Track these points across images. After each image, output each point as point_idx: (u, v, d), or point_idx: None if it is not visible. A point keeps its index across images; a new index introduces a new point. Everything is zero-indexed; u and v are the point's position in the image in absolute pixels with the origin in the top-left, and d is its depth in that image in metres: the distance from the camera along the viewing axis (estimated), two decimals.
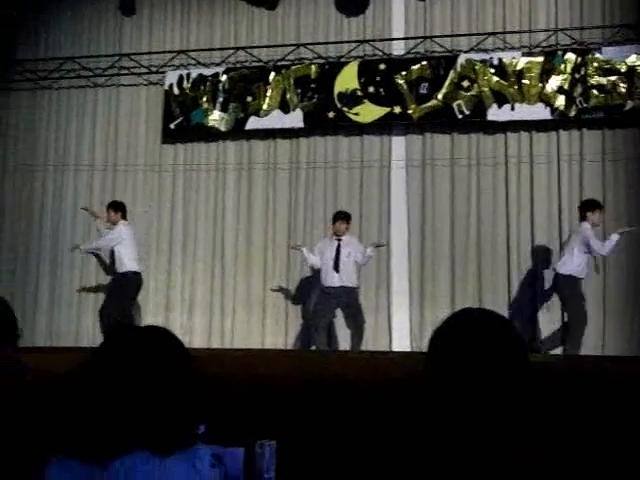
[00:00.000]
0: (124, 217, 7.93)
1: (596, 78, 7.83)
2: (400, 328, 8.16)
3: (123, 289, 7.87)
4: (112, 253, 8.00)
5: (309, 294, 8.17)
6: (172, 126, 8.84)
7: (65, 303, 8.89)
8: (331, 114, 8.39)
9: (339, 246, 7.51)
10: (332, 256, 7.48)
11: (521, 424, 1.38)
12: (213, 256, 8.72)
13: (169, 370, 1.36)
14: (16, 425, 1.70)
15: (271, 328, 8.45)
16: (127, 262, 7.77)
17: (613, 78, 7.78)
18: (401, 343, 8.06)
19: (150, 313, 8.65)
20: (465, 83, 8.13)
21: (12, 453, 1.71)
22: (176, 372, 1.37)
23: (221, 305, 8.60)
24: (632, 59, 7.76)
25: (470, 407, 1.39)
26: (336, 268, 7.45)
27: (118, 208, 7.94)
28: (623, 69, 7.77)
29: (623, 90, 7.77)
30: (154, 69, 9.02)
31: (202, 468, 1.33)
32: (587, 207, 7.10)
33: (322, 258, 7.53)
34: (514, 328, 1.49)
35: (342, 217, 7.62)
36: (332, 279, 7.45)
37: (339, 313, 7.79)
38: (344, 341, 8.02)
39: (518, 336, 1.47)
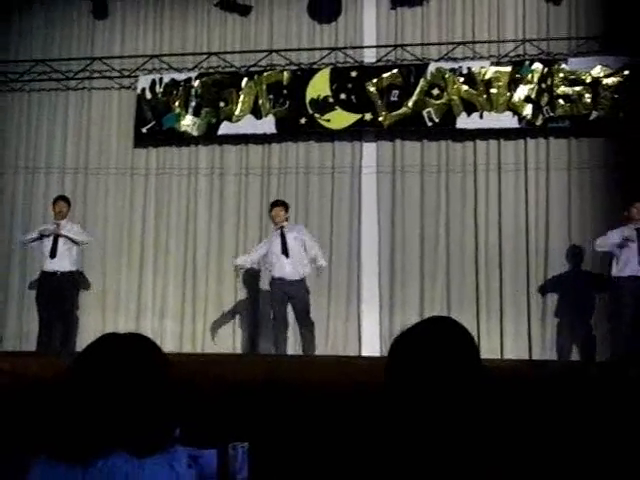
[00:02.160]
0: None
1: (562, 88, 8.00)
2: (370, 334, 8.24)
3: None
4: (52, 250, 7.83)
5: None
6: (144, 130, 8.84)
7: (35, 307, 8.81)
8: (303, 120, 8.46)
9: (283, 233, 7.44)
10: (278, 243, 7.39)
11: (473, 427, 1.47)
12: (185, 260, 8.74)
13: (148, 376, 1.42)
14: None
15: (242, 333, 8.49)
16: (77, 262, 7.87)
17: (578, 88, 7.97)
18: (371, 349, 8.13)
19: (121, 317, 8.65)
20: (435, 91, 8.25)
21: None
22: (155, 378, 1.44)
23: (192, 310, 8.63)
24: (597, 70, 7.95)
25: (424, 412, 1.47)
26: (285, 252, 7.34)
27: (69, 203, 8.00)
28: (588, 80, 7.95)
29: (588, 100, 7.95)
30: (126, 73, 9.01)
31: (179, 469, 1.39)
32: None
33: (269, 253, 7.45)
34: (469, 335, 1.58)
35: (279, 204, 7.60)
36: (281, 268, 7.35)
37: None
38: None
39: (472, 343, 1.56)
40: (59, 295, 7.84)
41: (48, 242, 7.81)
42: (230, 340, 8.48)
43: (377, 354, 7.97)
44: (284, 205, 7.61)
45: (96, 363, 1.43)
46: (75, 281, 8.14)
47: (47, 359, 5.43)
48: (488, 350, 7.81)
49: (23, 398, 1.79)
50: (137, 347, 1.46)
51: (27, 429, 1.65)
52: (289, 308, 7.48)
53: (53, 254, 7.76)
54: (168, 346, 8.31)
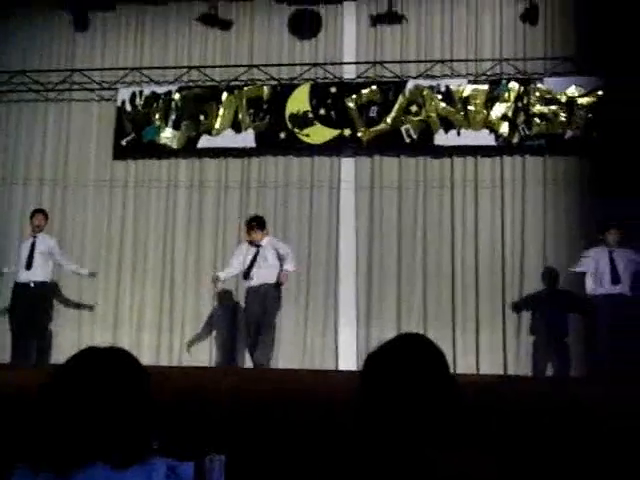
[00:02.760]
0: None
1: (538, 107, 8.15)
2: (347, 348, 8.28)
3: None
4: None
5: None
6: (124, 142, 8.85)
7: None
8: (282, 135, 8.52)
9: (258, 251, 7.43)
10: (252, 257, 7.42)
11: (444, 439, 1.52)
12: (163, 273, 8.73)
13: (127, 388, 1.46)
14: None
15: (219, 345, 8.49)
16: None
17: (554, 107, 8.12)
18: (348, 362, 8.16)
19: (98, 329, 8.62)
20: (413, 108, 8.36)
21: None
22: (133, 390, 1.47)
23: (170, 322, 8.62)
24: (571, 90, 8.11)
25: (396, 427, 1.52)
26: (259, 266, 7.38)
27: (47, 216, 8.03)
28: (563, 99, 8.11)
29: (563, 119, 8.10)
30: (107, 85, 9.03)
31: (158, 479, 1.43)
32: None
33: (242, 261, 7.46)
34: (440, 352, 1.63)
35: (255, 226, 7.49)
36: (258, 278, 7.39)
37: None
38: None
39: (443, 360, 1.61)
40: (34, 307, 7.79)
41: (25, 252, 7.77)
42: (207, 353, 8.47)
43: (354, 368, 8.00)
44: (260, 226, 7.51)
45: (76, 376, 1.46)
46: (50, 292, 8.12)
47: (25, 371, 5.41)
48: (464, 365, 7.89)
49: (3, 410, 1.81)
50: (116, 360, 1.50)
51: (6, 440, 1.67)
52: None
53: (29, 265, 7.73)
54: (145, 359, 8.27)
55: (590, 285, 7.31)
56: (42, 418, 1.42)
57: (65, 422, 1.40)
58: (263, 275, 7.36)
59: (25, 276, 7.73)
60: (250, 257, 7.44)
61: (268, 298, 7.36)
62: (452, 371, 1.69)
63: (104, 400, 1.43)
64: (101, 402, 1.43)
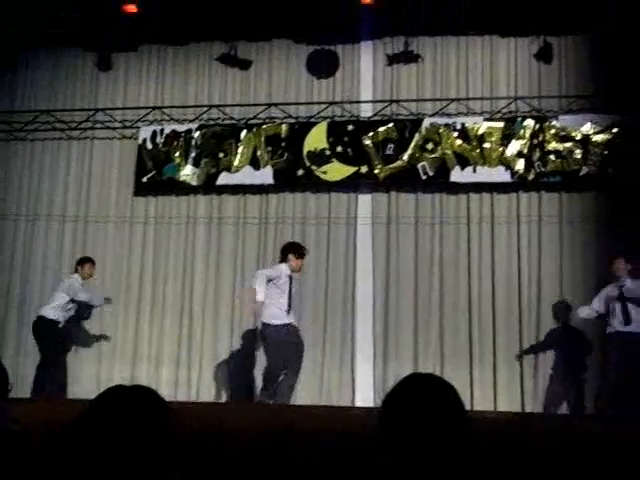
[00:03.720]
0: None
1: (553, 144, 8.21)
2: (364, 383, 8.29)
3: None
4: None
5: None
6: (144, 180, 9.00)
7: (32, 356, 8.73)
8: (300, 172, 8.64)
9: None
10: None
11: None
12: (181, 308, 8.81)
13: (153, 429, 1.53)
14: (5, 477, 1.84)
15: (237, 381, 8.52)
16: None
17: (569, 144, 8.18)
18: (365, 398, 8.17)
19: (117, 364, 8.70)
20: (429, 145, 8.45)
21: None
22: (158, 429, 1.54)
23: (188, 358, 8.67)
24: (586, 127, 8.17)
25: (414, 466, 1.58)
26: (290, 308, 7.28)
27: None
28: (578, 137, 8.17)
29: (579, 156, 8.15)
30: (128, 124, 9.22)
31: None
32: None
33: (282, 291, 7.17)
34: (455, 392, 1.69)
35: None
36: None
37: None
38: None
39: (458, 400, 1.68)
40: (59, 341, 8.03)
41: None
42: (225, 388, 8.51)
43: (371, 404, 8.01)
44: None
45: (105, 415, 1.53)
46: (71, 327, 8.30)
47: (51, 405, 5.48)
48: (481, 401, 7.87)
49: (32, 445, 1.88)
50: (143, 401, 1.57)
51: (35, 475, 1.74)
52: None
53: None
54: (163, 393, 8.19)
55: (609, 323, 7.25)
56: (70, 455, 1.49)
57: (90, 457, 1.47)
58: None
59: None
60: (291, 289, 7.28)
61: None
62: (469, 408, 1.75)
63: (129, 438, 1.50)
64: (126, 440, 1.50)
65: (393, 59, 8.87)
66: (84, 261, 8.21)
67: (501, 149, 8.31)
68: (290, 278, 7.22)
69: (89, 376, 8.57)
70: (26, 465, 1.79)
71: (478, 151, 8.34)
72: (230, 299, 8.66)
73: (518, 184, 8.38)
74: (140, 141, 9.05)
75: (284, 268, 7.22)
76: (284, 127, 8.79)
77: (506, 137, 8.33)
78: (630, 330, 7.06)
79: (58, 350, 8.00)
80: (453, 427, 1.62)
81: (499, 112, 8.54)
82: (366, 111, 8.84)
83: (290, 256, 7.27)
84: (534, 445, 3.90)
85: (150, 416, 1.55)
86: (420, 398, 1.65)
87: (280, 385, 7.09)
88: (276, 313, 7.06)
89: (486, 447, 1.85)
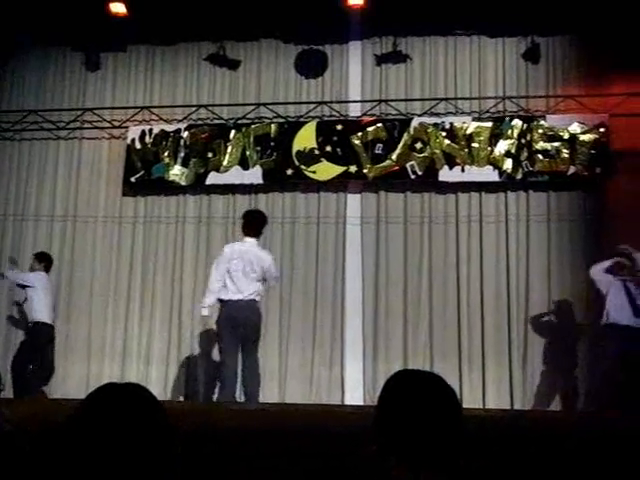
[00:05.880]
0: (46, 269, 8.16)
1: (541, 144, 8.27)
2: (353, 382, 8.32)
3: (32, 339, 8.01)
4: (25, 301, 8.17)
5: None
6: (133, 179, 8.99)
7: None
8: (289, 171, 8.65)
9: None
10: None
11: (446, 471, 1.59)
12: (171, 308, 8.81)
13: (148, 426, 1.54)
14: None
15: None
16: (37, 312, 7.92)
17: (557, 144, 8.23)
18: (354, 396, 8.21)
19: (107, 363, 8.69)
20: (418, 145, 8.49)
21: None
22: (153, 428, 1.55)
23: (178, 356, 8.68)
24: (574, 127, 8.23)
25: (409, 461, 1.60)
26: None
27: (42, 259, 8.19)
28: (566, 136, 8.23)
29: (566, 156, 8.21)
30: (117, 124, 9.20)
31: None
32: None
33: None
34: (449, 388, 1.72)
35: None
36: None
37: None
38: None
39: (452, 395, 1.70)
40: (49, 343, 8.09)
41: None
42: (215, 387, 8.50)
43: (360, 402, 8.04)
44: None
45: (98, 413, 1.54)
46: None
47: (42, 405, 5.47)
48: (470, 399, 7.91)
49: (26, 445, 1.89)
50: (137, 398, 1.58)
51: (29, 475, 1.75)
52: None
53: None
54: (153, 392, 8.28)
55: (611, 314, 7.05)
56: (66, 453, 1.50)
57: (83, 457, 1.48)
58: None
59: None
60: None
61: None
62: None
63: (124, 436, 1.51)
64: (121, 438, 1.50)
65: (382, 59, 8.90)
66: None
67: (489, 149, 8.36)
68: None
69: (78, 375, 8.56)
70: (18, 466, 1.80)
71: (466, 151, 8.38)
72: None
73: (506, 184, 8.43)
74: (129, 141, 9.03)
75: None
76: (273, 127, 8.80)
77: (494, 137, 8.38)
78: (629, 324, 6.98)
79: (34, 346, 7.99)
80: (450, 425, 1.64)
81: (487, 112, 8.59)
82: (355, 111, 8.87)
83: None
84: (523, 442, 3.93)
85: (144, 413, 1.56)
86: (418, 396, 1.67)
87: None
88: None
89: (475, 444, 1.88)
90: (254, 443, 3.85)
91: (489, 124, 8.43)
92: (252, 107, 8.99)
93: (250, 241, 6.95)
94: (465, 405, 7.74)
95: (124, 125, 9.16)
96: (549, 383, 8.03)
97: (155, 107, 9.19)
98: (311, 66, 9.02)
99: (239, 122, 8.92)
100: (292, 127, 8.75)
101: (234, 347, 6.68)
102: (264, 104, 8.98)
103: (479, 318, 8.29)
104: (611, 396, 6.86)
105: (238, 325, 6.62)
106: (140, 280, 8.95)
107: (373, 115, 8.75)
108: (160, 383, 8.55)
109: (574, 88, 8.47)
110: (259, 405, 6.66)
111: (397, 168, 8.46)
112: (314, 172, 8.59)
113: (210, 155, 8.83)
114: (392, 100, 8.78)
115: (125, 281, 8.98)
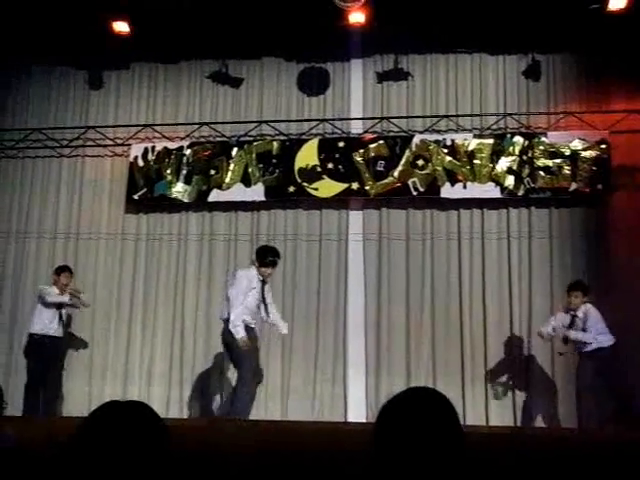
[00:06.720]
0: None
1: (542, 160, 8.29)
2: (356, 398, 8.29)
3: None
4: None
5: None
6: (136, 197, 9.01)
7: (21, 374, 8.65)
8: (291, 189, 8.67)
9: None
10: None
11: None
12: (173, 326, 8.80)
13: (148, 444, 1.54)
14: None
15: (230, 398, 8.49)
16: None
17: (558, 161, 8.25)
18: (357, 413, 8.17)
19: (109, 381, 8.67)
20: (420, 162, 8.51)
21: None
22: (154, 446, 1.55)
23: (180, 375, 8.65)
24: (575, 144, 8.25)
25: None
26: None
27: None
28: (567, 153, 8.25)
29: (568, 172, 8.23)
30: (119, 141, 9.24)
31: None
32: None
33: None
34: (450, 404, 1.71)
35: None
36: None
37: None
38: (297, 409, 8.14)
39: (453, 412, 1.70)
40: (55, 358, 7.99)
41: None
42: (217, 406, 8.48)
43: (363, 419, 8.00)
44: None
45: (101, 430, 1.55)
46: (62, 345, 8.25)
47: (45, 423, 5.45)
48: (473, 417, 7.88)
49: (31, 462, 1.88)
50: (140, 416, 1.59)
51: None
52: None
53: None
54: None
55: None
56: (70, 470, 1.50)
57: (95, 472, 1.48)
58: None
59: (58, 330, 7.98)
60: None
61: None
62: (461, 422, 1.77)
63: (127, 454, 1.51)
64: (124, 456, 1.51)
65: (383, 77, 8.96)
66: (61, 270, 8.11)
67: (491, 165, 8.38)
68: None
69: (80, 394, 8.53)
70: None
71: (468, 167, 8.40)
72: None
73: (508, 200, 8.44)
74: (131, 158, 9.06)
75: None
76: (275, 144, 8.83)
77: (496, 153, 8.40)
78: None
79: (45, 367, 7.83)
80: (449, 442, 1.63)
81: (488, 129, 8.62)
82: (357, 128, 8.90)
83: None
84: (527, 460, 3.91)
85: (147, 431, 1.56)
86: (416, 412, 1.67)
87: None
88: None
89: (478, 461, 1.87)
90: (256, 460, 3.84)
91: (490, 141, 8.46)
92: (254, 125, 9.03)
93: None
94: (468, 422, 7.72)
95: (127, 143, 9.19)
96: (553, 399, 7.99)
97: (158, 125, 9.23)
98: (313, 84, 9.09)
99: (241, 139, 8.96)
100: (294, 144, 8.79)
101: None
102: (266, 121, 9.02)
103: (482, 334, 8.27)
104: (612, 411, 6.85)
105: None
106: (142, 297, 8.95)
107: (375, 132, 8.79)
108: (162, 402, 8.47)
109: (575, 105, 8.51)
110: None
111: (399, 185, 8.48)
112: (316, 189, 8.61)
113: (212, 172, 8.86)
114: (393, 117, 8.82)
115: (127, 298, 8.97)
